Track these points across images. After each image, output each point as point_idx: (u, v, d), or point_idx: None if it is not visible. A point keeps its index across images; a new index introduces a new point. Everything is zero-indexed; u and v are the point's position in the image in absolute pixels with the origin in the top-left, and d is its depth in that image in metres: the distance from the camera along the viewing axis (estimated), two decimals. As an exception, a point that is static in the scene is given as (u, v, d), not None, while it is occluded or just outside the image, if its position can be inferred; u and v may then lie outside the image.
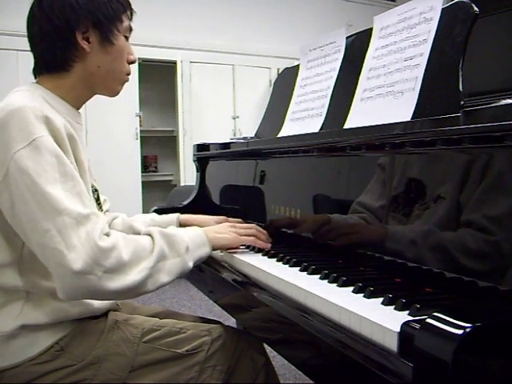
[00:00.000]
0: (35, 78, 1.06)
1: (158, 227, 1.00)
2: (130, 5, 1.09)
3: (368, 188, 0.97)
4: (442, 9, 0.95)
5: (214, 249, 1.07)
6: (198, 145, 1.82)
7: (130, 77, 1.13)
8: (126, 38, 1.09)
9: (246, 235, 1.13)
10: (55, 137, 0.91)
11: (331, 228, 1.06)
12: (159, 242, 0.95)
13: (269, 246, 1.14)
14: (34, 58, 1.05)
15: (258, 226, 1.19)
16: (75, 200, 0.88)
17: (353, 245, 1.00)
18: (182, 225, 1.32)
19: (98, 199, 1.14)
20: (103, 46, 1.04)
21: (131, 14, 1.10)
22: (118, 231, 0.94)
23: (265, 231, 1.18)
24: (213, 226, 1.13)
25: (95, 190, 1.13)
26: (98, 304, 1.02)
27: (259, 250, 1.15)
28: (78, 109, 1.09)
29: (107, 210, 1.28)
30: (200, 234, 1.05)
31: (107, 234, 0.89)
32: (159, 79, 4.71)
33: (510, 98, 0.75)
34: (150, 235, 0.97)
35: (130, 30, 1.10)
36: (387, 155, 0.94)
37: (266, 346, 1.12)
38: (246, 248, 1.20)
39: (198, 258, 1.02)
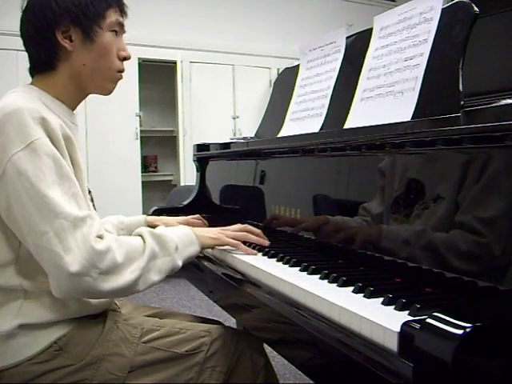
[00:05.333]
0: (32, 77, 1.08)
1: (147, 228, 1.03)
2: (118, 0, 1.07)
3: (374, 194, 0.97)
4: (442, 9, 0.95)
5: (202, 247, 1.10)
6: (198, 145, 1.82)
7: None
8: (116, 32, 1.07)
9: (232, 238, 1.14)
10: (51, 138, 0.92)
11: (331, 228, 1.06)
12: (150, 242, 0.97)
13: (254, 252, 1.13)
14: (28, 58, 1.07)
15: (250, 228, 1.18)
16: (72, 202, 0.90)
17: (351, 243, 1.00)
18: (149, 226, 1.36)
19: (92, 200, 1.14)
20: (85, 43, 1.03)
21: (121, 10, 1.08)
22: (108, 232, 0.95)
23: (258, 231, 1.17)
24: (201, 228, 1.17)
25: (89, 192, 1.13)
26: (96, 302, 1.02)
27: (259, 250, 1.15)
28: (72, 109, 1.09)
29: None
30: (189, 234, 1.08)
31: (101, 237, 0.90)
32: (159, 79, 4.70)
33: (509, 98, 0.75)
34: (140, 236, 0.99)
35: (121, 25, 1.09)
36: (386, 159, 0.94)
37: (266, 346, 1.12)
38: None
39: (187, 257, 1.05)
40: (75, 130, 1.07)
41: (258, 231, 1.17)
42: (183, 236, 1.06)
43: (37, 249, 0.88)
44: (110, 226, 1.34)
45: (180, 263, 1.02)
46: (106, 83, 1.10)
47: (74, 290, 0.88)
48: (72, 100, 1.08)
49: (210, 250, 1.25)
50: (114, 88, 1.12)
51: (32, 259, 0.91)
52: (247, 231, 1.16)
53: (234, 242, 1.13)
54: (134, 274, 0.92)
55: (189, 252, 1.06)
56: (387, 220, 0.90)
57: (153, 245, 0.97)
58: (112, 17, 1.06)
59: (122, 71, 1.11)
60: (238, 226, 1.19)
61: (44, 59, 1.03)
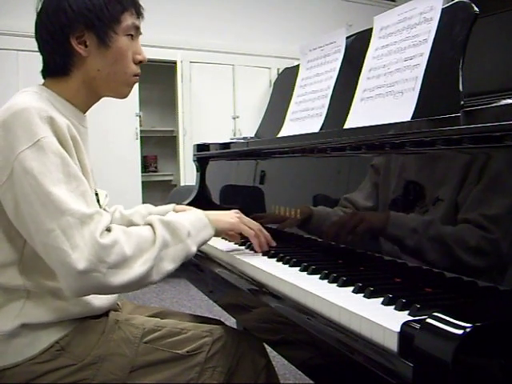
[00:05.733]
0: (44, 78, 1.07)
1: (157, 215, 1.00)
2: (134, 3, 1.06)
3: (360, 187, 0.98)
4: (442, 9, 0.95)
5: (216, 231, 1.08)
6: (198, 145, 1.82)
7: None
8: (132, 36, 1.06)
9: (248, 227, 1.12)
10: (59, 137, 0.91)
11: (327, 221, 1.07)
12: (160, 230, 0.95)
13: (263, 248, 1.13)
14: (42, 61, 1.06)
15: (263, 228, 1.17)
16: (79, 200, 0.88)
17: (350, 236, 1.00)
18: None
19: (98, 201, 1.13)
20: (99, 49, 1.02)
21: (138, 12, 1.07)
22: (118, 225, 0.94)
23: (268, 234, 1.16)
24: (216, 211, 1.13)
25: (96, 194, 1.13)
26: (98, 303, 1.02)
27: (259, 250, 1.15)
28: (84, 112, 1.09)
29: (106, 205, 1.28)
30: (201, 218, 1.05)
31: (108, 229, 0.89)
32: (159, 79, 4.70)
33: (509, 98, 0.75)
34: (150, 224, 0.97)
35: (137, 28, 1.07)
36: (380, 156, 0.94)
37: (266, 346, 1.12)
38: (247, 248, 1.20)
39: (201, 242, 1.03)
40: (85, 132, 1.07)
41: (268, 235, 1.16)
42: (195, 221, 1.03)
43: (45, 248, 0.87)
44: (138, 217, 1.33)
45: (194, 249, 1.00)
46: (122, 88, 1.08)
47: (84, 287, 0.86)
48: (84, 103, 1.07)
49: (210, 251, 1.25)
50: (129, 92, 1.10)
51: (35, 259, 0.91)
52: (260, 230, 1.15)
53: (251, 231, 1.12)
54: (145, 266, 0.89)
55: (202, 236, 1.03)
56: (388, 219, 0.90)
57: (163, 233, 0.95)
58: (128, 20, 1.04)
59: (137, 75, 1.09)
60: (252, 221, 1.17)
61: (58, 64, 1.02)
